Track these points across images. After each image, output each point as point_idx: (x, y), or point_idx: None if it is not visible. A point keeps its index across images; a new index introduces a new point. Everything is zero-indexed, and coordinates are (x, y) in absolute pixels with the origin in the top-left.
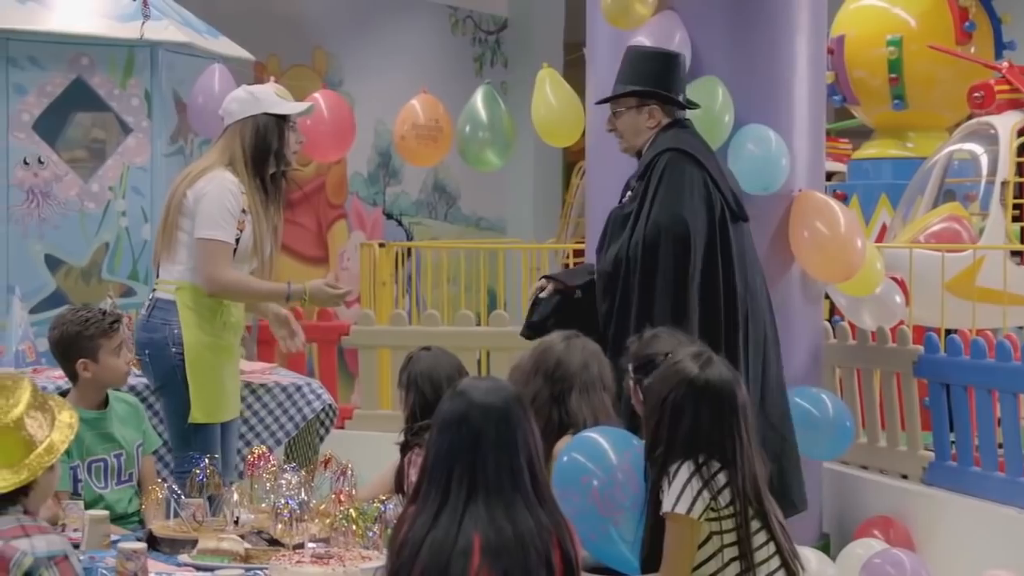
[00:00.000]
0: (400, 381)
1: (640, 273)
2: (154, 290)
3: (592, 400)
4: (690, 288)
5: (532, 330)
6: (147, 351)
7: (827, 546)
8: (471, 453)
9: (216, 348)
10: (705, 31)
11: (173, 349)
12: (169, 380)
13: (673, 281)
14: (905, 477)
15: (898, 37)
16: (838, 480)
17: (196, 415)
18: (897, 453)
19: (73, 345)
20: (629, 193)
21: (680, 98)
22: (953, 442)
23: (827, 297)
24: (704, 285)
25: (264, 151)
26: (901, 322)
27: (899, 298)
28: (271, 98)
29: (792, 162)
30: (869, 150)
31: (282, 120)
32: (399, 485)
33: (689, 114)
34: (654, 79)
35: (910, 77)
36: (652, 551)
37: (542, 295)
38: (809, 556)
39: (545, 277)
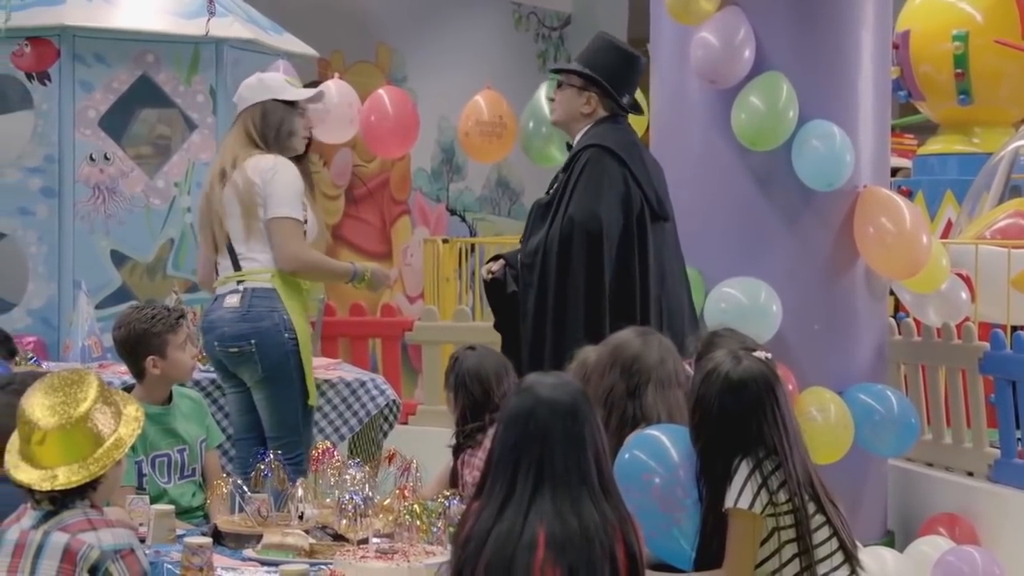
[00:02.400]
0: (447, 383)
1: (555, 268)
2: (240, 281)
3: (667, 396)
4: (603, 285)
5: (501, 312)
6: (253, 341)
7: (891, 543)
8: (538, 447)
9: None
10: (769, 26)
11: (286, 335)
12: (283, 366)
13: (586, 278)
14: (971, 474)
15: (964, 32)
16: (903, 477)
17: (311, 398)
18: (962, 450)
19: (141, 342)
20: (556, 185)
21: (624, 100)
22: (1019, 439)
23: (892, 293)
24: (618, 283)
25: (273, 136)
26: (967, 318)
27: (965, 294)
28: (279, 83)
29: (857, 158)
30: (934, 146)
31: (290, 106)
32: (453, 486)
33: (751, 110)
34: (606, 71)
35: (976, 72)
36: (704, 547)
37: (495, 271)
38: (884, 555)
39: (495, 258)
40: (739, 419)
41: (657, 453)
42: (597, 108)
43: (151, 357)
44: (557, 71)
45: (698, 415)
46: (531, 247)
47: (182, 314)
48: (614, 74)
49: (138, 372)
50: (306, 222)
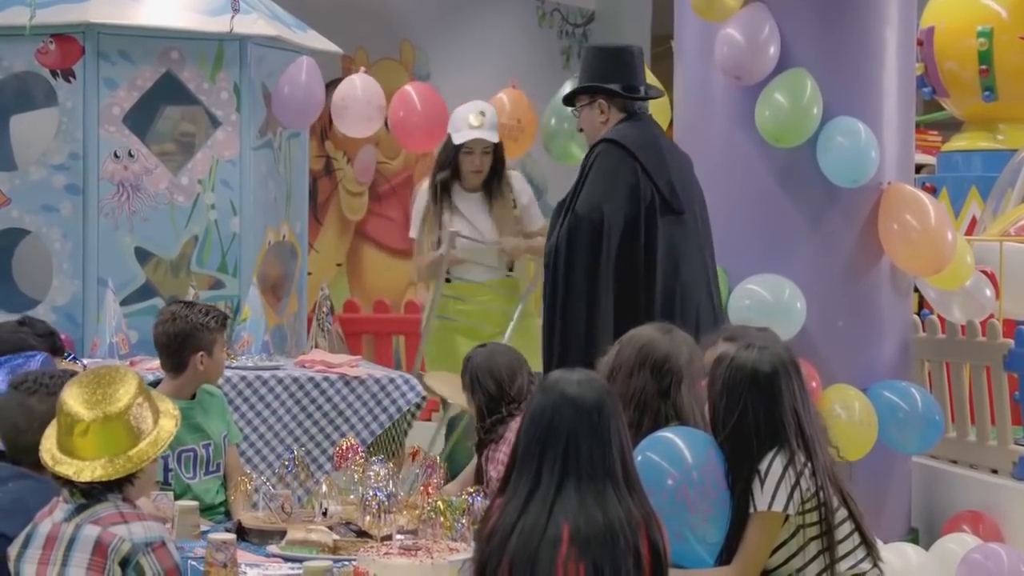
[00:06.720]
0: (463, 384)
1: (564, 264)
2: None
3: (698, 394)
4: (600, 278)
5: None
6: None
7: (915, 540)
8: (563, 442)
9: None
10: (794, 23)
11: None
12: None
13: (586, 270)
14: (995, 472)
15: (988, 28)
16: (927, 474)
17: None
18: (987, 447)
19: (194, 337)
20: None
21: (641, 91)
22: None
23: (916, 290)
24: (620, 276)
25: None
26: (991, 316)
27: (989, 291)
28: None
29: (881, 155)
30: (959, 142)
31: None
32: (478, 484)
33: (776, 107)
34: (600, 75)
35: (1001, 68)
36: (732, 544)
37: None
38: (909, 552)
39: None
40: (772, 408)
41: (671, 455)
42: (610, 112)
43: (201, 353)
44: (567, 100)
45: (724, 409)
46: (547, 248)
47: (227, 316)
48: (607, 73)
49: (180, 366)
50: None
